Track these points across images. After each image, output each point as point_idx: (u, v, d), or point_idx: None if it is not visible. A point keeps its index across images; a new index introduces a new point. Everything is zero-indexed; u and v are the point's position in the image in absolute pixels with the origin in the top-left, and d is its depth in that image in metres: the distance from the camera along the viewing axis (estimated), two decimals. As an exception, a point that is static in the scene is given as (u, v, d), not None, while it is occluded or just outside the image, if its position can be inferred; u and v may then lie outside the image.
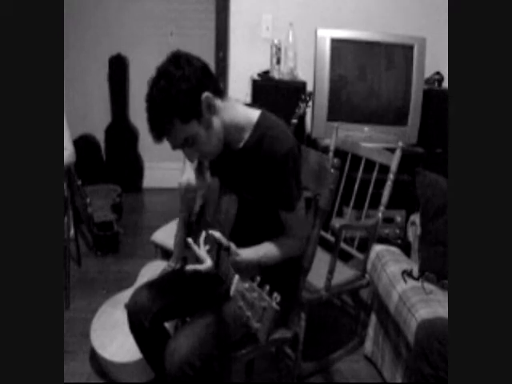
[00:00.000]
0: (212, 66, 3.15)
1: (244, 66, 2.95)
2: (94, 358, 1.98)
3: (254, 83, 2.77)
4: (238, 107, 1.35)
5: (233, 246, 1.22)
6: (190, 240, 1.24)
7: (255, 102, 2.76)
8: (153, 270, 2.12)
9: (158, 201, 3.87)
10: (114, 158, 4.02)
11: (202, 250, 1.21)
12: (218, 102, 1.25)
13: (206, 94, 1.21)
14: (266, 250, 1.34)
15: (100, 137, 3.98)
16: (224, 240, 1.19)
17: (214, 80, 1.27)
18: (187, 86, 1.18)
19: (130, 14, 3.87)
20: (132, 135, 4.03)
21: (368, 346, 2.13)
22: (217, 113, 1.26)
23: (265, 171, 1.30)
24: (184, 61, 1.20)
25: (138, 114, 4.05)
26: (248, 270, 1.21)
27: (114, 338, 1.87)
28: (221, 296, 1.27)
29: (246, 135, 1.33)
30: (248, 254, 1.28)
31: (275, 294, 1.00)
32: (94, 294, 2.49)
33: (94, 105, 3.98)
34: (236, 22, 2.95)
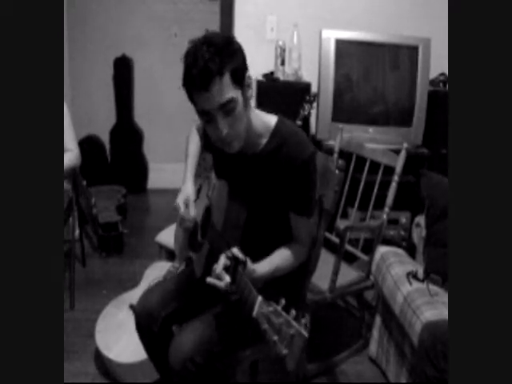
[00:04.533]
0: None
1: (248, 67, 2.94)
2: (99, 358, 1.99)
3: (259, 84, 2.77)
4: (256, 111, 1.34)
5: (249, 261, 1.20)
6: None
7: (260, 103, 2.76)
8: (157, 270, 2.12)
9: (163, 202, 3.87)
10: (118, 158, 4.03)
11: (219, 269, 1.17)
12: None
13: (248, 74, 1.24)
14: (277, 262, 1.32)
15: (105, 138, 3.99)
16: (241, 255, 1.17)
17: None
18: (242, 52, 1.22)
19: (135, 15, 3.89)
20: (137, 136, 4.04)
21: (372, 347, 2.12)
22: (248, 106, 1.26)
23: (286, 176, 1.29)
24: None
25: (142, 115, 4.07)
26: (259, 284, 1.20)
27: (118, 338, 1.88)
28: (231, 301, 1.26)
29: (264, 141, 1.32)
30: (262, 269, 1.26)
31: (303, 320, 0.97)
32: (99, 295, 2.49)
33: (98, 106, 3.99)
34: (240, 23, 2.95)
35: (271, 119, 1.34)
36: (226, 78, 1.16)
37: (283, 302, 1.02)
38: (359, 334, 2.26)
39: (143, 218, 3.66)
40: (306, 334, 0.94)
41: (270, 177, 1.31)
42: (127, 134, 4.03)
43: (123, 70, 3.91)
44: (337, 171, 1.51)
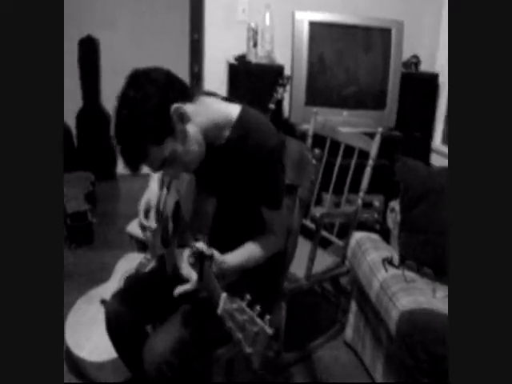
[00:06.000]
0: (186, 48, 3.05)
1: (220, 49, 2.86)
2: (69, 356, 1.92)
3: (231, 67, 2.69)
4: (213, 105, 1.26)
5: (216, 253, 1.16)
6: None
7: (232, 86, 2.69)
8: (129, 262, 2.07)
9: (133, 187, 3.76)
10: (85, 144, 3.92)
11: (186, 266, 1.16)
12: (189, 108, 1.16)
13: (174, 106, 1.12)
14: (249, 253, 1.29)
15: (71, 122, 3.87)
16: (206, 249, 1.13)
17: (181, 86, 1.18)
18: (152, 106, 1.10)
19: (99, -7, 3.73)
20: (104, 120, 3.92)
21: (348, 332, 2.13)
22: (191, 119, 1.17)
23: (250, 168, 1.24)
24: (143, 79, 1.12)
25: (110, 99, 3.92)
26: (232, 275, 1.17)
27: (89, 336, 1.81)
28: (201, 299, 1.23)
29: (227, 133, 1.26)
30: (232, 259, 1.23)
31: (267, 317, 0.95)
32: (68, 288, 2.41)
33: (63, 89, 3.83)
34: (211, 4, 2.84)
35: (233, 109, 1.27)
36: (151, 149, 1.13)
37: (248, 297, 1.00)
38: (335, 318, 2.27)
39: (113, 205, 3.56)
40: (270, 331, 0.94)
41: (236, 168, 1.27)
42: (94, 118, 3.91)
43: (89, 51, 3.79)
44: (314, 161, 1.47)
